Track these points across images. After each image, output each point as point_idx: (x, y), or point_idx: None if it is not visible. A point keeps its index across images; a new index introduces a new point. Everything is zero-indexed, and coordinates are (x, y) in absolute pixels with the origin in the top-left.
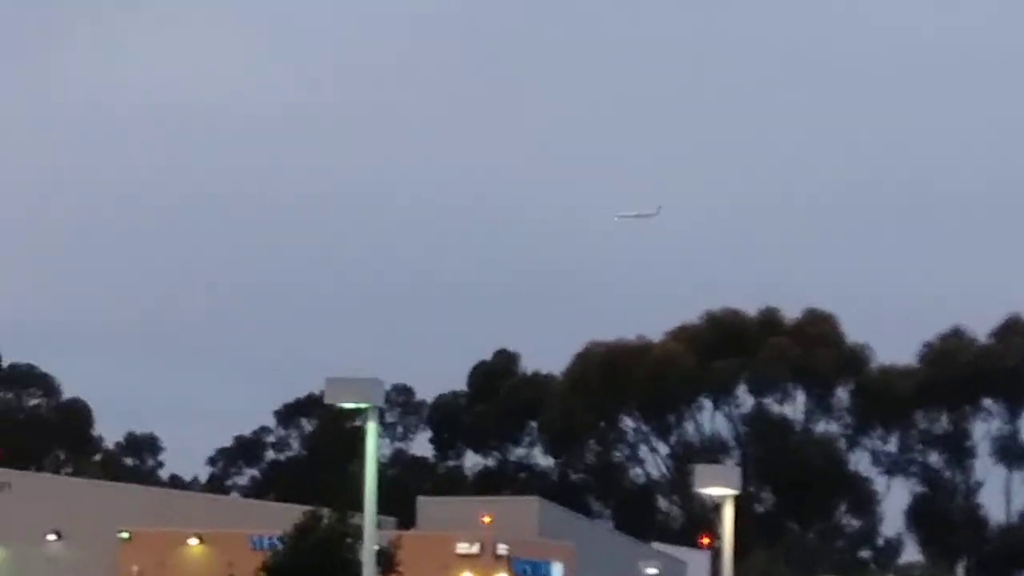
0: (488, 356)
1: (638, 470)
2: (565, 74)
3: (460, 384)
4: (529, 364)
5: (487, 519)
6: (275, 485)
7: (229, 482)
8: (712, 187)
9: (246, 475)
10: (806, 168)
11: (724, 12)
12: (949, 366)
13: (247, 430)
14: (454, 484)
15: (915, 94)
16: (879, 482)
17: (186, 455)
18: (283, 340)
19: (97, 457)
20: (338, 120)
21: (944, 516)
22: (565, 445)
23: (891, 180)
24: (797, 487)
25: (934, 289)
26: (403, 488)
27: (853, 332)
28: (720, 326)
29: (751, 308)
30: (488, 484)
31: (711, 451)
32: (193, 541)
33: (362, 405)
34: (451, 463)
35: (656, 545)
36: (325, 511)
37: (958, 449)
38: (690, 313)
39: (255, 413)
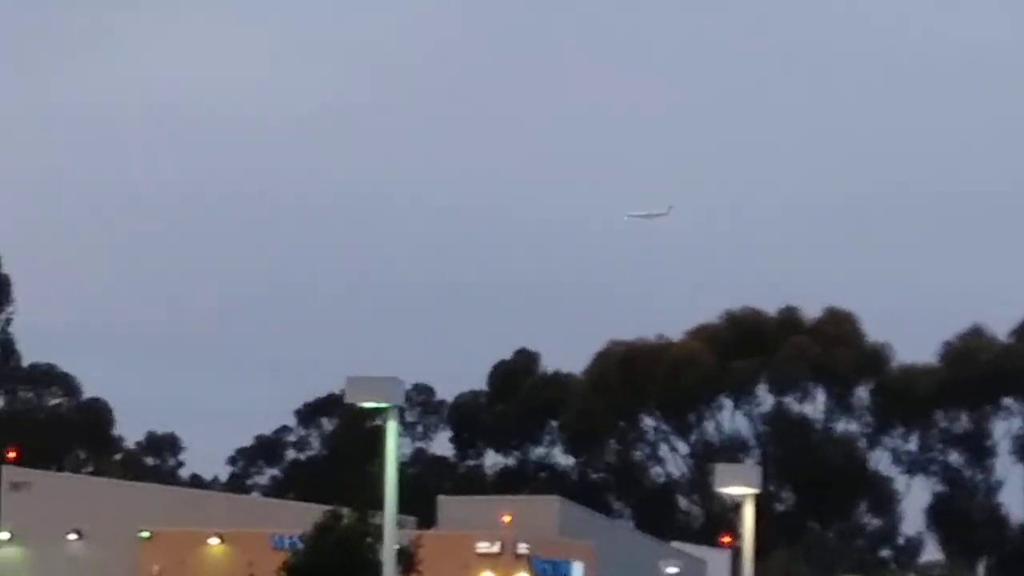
0: (508, 355)
1: (658, 469)
2: (574, 74)
3: (480, 383)
4: (549, 363)
5: (507, 518)
6: (295, 484)
7: (250, 481)
8: (732, 186)
9: (267, 474)
10: (827, 168)
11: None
12: (969, 365)
13: (268, 429)
14: (474, 483)
15: (936, 93)
16: (899, 481)
17: (207, 454)
18: (304, 340)
19: (118, 457)
20: (361, 121)
21: (964, 515)
22: (585, 444)
23: (912, 179)
24: (817, 486)
25: (954, 288)
26: (423, 487)
27: (873, 331)
28: (740, 325)
29: (771, 307)
30: (508, 483)
31: (731, 450)
32: (214, 540)
33: (382, 404)
34: (471, 462)
35: (676, 544)
36: (345, 510)
37: (978, 448)
38: (710, 312)
39: (276, 412)
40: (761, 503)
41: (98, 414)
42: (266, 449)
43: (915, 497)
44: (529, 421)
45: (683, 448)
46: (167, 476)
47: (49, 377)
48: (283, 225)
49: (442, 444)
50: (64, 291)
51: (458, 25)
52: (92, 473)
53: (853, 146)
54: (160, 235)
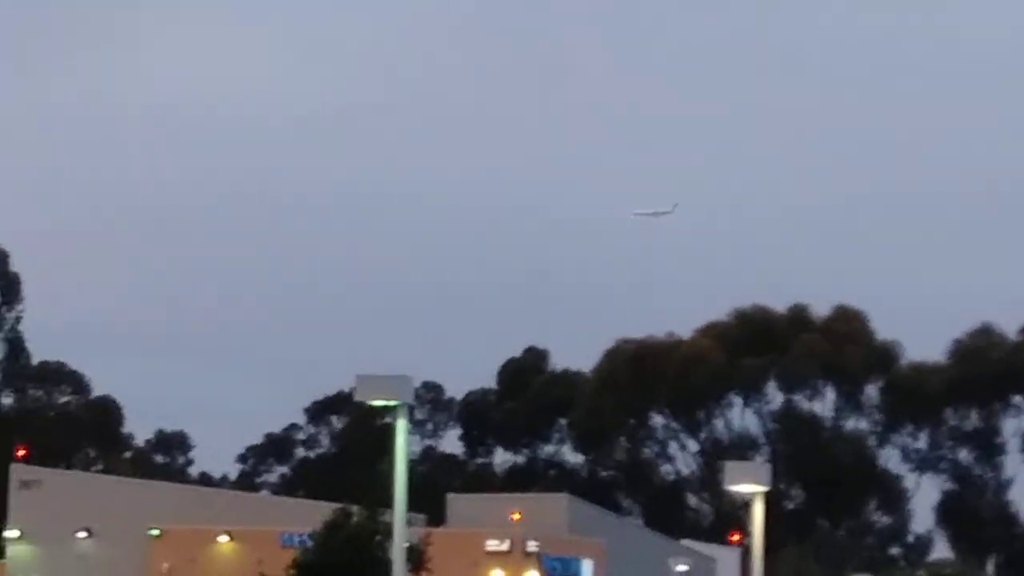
0: (518, 353)
1: (668, 467)
2: (587, 72)
3: (490, 381)
4: (559, 361)
5: (517, 516)
6: (305, 482)
7: (259, 479)
8: (742, 184)
9: (276, 472)
10: (837, 166)
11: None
12: (979, 363)
13: (277, 427)
14: (484, 481)
15: (947, 92)
16: (909, 479)
17: (216, 453)
18: (313, 338)
19: (127, 455)
20: (362, 121)
21: (974, 513)
22: (595, 442)
23: (923, 177)
24: (827, 484)
25: (964, 286)
26: (433, 485)
27: (883, 329)
28: (750, 323)
29: (780, 305)
30: (518, 481)
31: (741, 448)
32: (223, 538)
33: (392, 402)
34: (481, 460)
35: (686, 542)
36: (355, 508)
37: (988, 446)
38: (719, 310)
39: (285, 410)
40: (771, 501)
41: (108, 412)
42: (276, 447)
43: (924, 495)
44: (538, 419)
45: (692, 446)
46: (177, 474)
47: (58, 375)
48: (291, 224)
49: (451, 442)
50: (73, 289)
51: (460, 24)
52: (102, 471)
53: (863, 144)
54: (168, 235)
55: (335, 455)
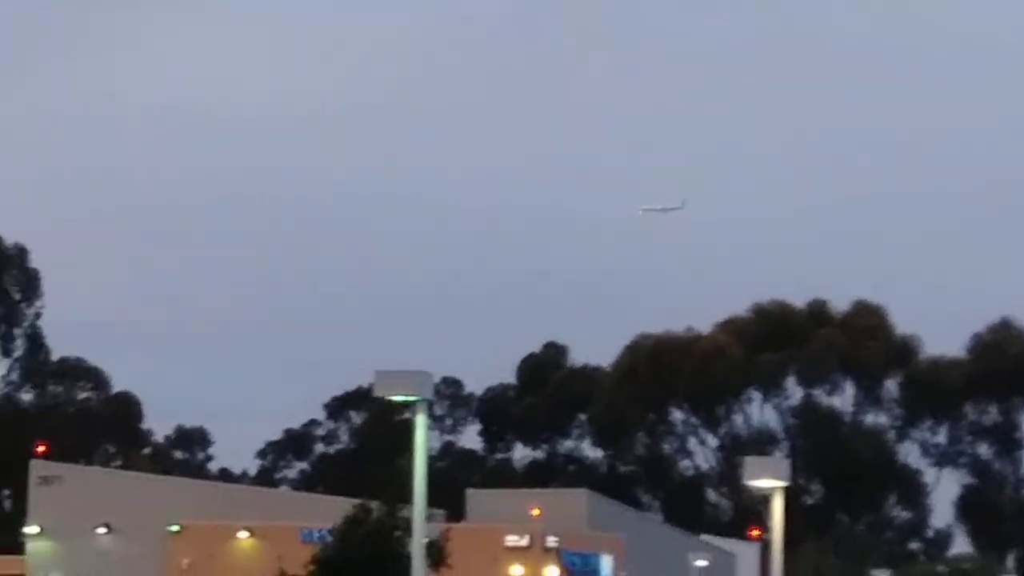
0: (537, 348)
1: (687, 462)
2: (599, 69)
3: (509, 377)
4: (578, 356)
5: (536, 512)
6: (324, 478)
7: (279, 475)
8: (761, 179)
9: (295, 468)
10: (854, 161)
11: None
12: (998, 357)
13: (296, 423)
14: (503, 477)
15: (968, 85)
16: (928, 474)
17: (235, 448)
18: (332, 334)
19: (147, 451)
20: (384, 119)
21: (993, 507)
22: (614, 437)
23: (943, 172)
24: (846, 479)
25: (983, 281)
26: (452, 481)
27: (902, 324)
28: (769, 318)
29: (799, 300)
30: (537, 476)
31: (760, 443)
32: (243, 534)
33: (411, 398)
34: (500, 456)
35: (705, 537)
36: (374, 504)
37: (1007, 440)
38: (738, 305)
39: (304, 406)
40: (790, 496)
41: (127, 408)
42: (295, 443)
43: (944, 489)
44: (558, 414)
45: (712, 441)
46: (196, 470)
47: (78, 371)
48: (312, 224)
49: (471, 437)
50: (93, 285)
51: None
52: (121, 467)
53: (883, 138)
54: (190, 231)
55: (354, 451)
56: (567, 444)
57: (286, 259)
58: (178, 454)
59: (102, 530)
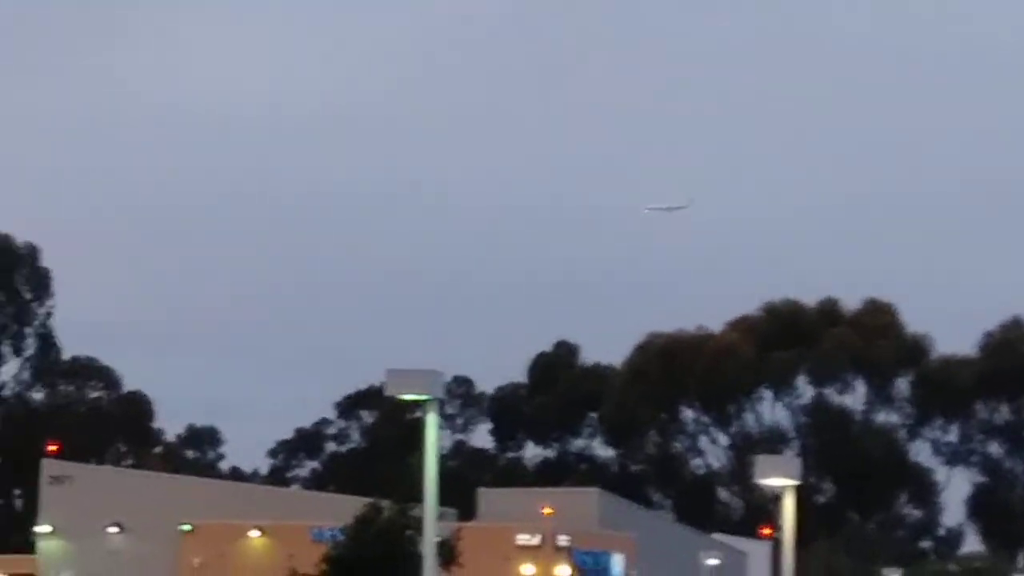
0: (548, 347)
1: (698, 461)
2: (613, 66)
3: (520, 376)
4: (589, 355)
5: (548, 510)
6: (335, 477)
7: (290, 474)
8: (772, 177)
9: (307, 467)
10: (865, 159)
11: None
12: (1010, 356)
13: (307, 422)
14: (514, 476)
15: (980, 82)
16: (940, 472)
17: (247, 447)
18: (343, 333)
19: (158, 450)
20: (392, 119)
21: (1005, 506)
22: (625, 436)
23: (953, 170)
24: (857, 478)
25: (994, 279)
26: (463, 480)
27: (913, 322)
28: (780, 317)
29: (810, 299)
30: (548, 475)
31: (771, 442)
32: (254, 533)
33: (422, 397)
34: (511, 455)
35: (717, 536)
36: (385, 503)
37: (1019, 439)
38: (749, 304)
39: (315, 405)
40: (801, 495)
41: (138, 407)
42: (306, 442)
43: (955, 488)
44: (569, 413)
45: (723, 440)
46: (207, 469)
47: (89, 370)
48: (321, 223)
49: (482, 436)
50: (104, 284)
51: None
52: (132, 466)
53: (894, 136)
54: (202, 230)
55: (365, 450)
56: (578, 443)
57: (298, 258)
58: (189, 453)
59: (113, 529)
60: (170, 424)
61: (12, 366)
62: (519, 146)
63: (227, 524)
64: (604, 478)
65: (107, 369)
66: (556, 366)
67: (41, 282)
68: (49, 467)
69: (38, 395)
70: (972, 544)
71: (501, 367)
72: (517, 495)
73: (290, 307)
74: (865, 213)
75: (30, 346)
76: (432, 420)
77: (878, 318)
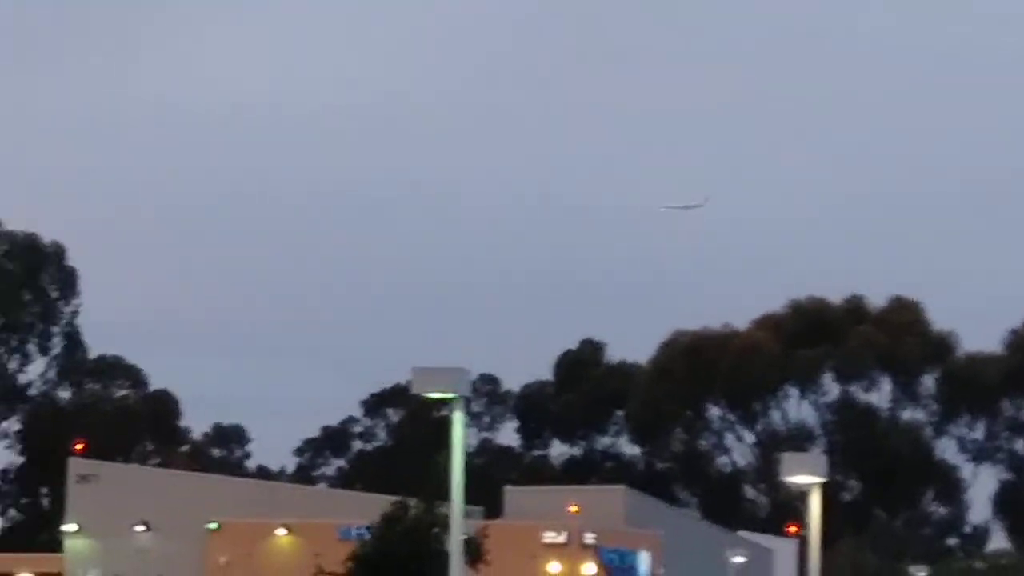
0: (574, 345)
1: (724, 458)
2: (636, 64)
3: (546, 373)
4: (615, 353)
5: (574, 508)
6: (362, 475)
7: (316, 472)
8: (797, 174)
9: (333, 465)
10: (891, 157)
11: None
12: None
13: (334, 420)
14: (541, 473)
15: (997, 81)
16: (966, 469)
17: (273, 446)
18: (370, 331)
19: (184, 448)
20: (420, 118)
21: None
22: (651, 434)
23: (979, 167)
24: (883, 475)
25: (1020, 276)
26: (490, 478)
27: (939, 320)
28: (805, 314)
29: (836, 296)
30: (575, 473)
31: (797, 439)
32: (281, 532)
33: (449, 395)
34: (537, 452)
35: (743, 533)
36: (412, 501)
37: None
38: (775, 301)
39: (342, 403)
40: (827, 492)
41: (165, 406)
42: (332, 440)
43: (981, 485)
44: (595, 411)
45: (749, 437)
46: (234, 468)
47: (116, 369)
48: (348, 222)
49: (508, 434)
50: (131, 284)
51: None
52: (159, 465)
53: (919, 134)
54: (229, 229)
55: (392, 448)
56: (604, 441)
57: (323, 257)
58: (216, 452)
59: (140, 528)
60: (196, 423)
61: (39, 365)
62: (544, 144)
63: (254, 523)
64: (630, 476)
65: (134, 368)
66: (582, 364)
67: (67, 281)
68: (76, 466)
69: (65, 394)
70: (998, 541)
71: (527, 365)
72: (543, 493)
73: (316, 305)
74: (891, 211)
75: (56, 345)
76: (458, 418)
77: (904, 315)
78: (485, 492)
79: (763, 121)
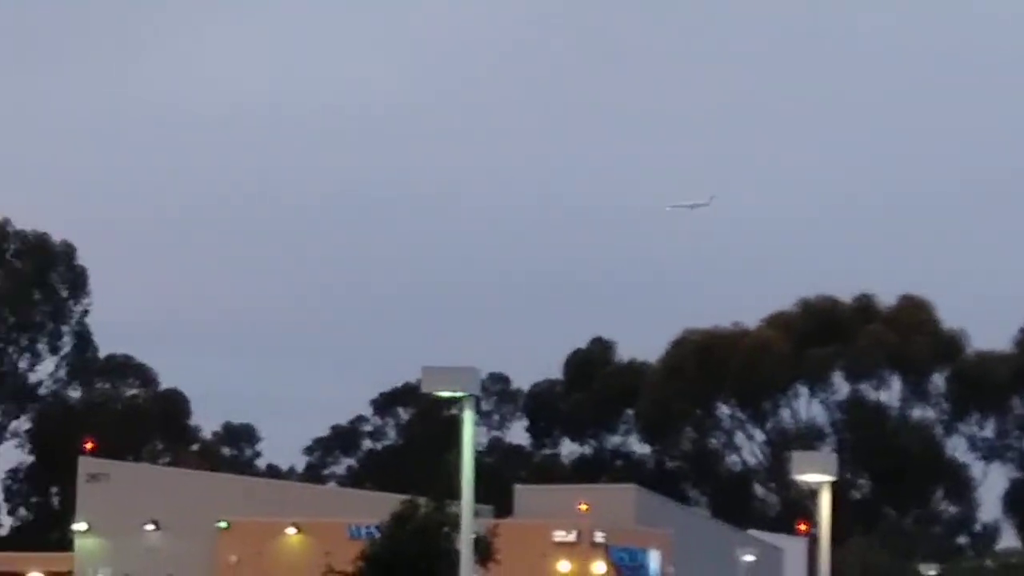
0: (584, 344)
1: (734, 457)
2: (637, 64)
3: (556, 372)
4: (625, 352)
5: (584, 507)
6: (372, 474)
7: (326, 471)
8: (807, 174)
9: (343, 464)
10: (901, 156)
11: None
12: None
13: (344, 419)
14: (551, 472)
15: (997, 81)
16: (976, 468)
17: (283, 445)
18: (380, 330)
19: (195, 447)
20: (420, 118)
21: None
22: (661, 433)
23: (987, 166)
24: (894, 473)
25: None
26: (500, 476)
27: (949, 318)
28: (816, 313)
29: (846, 295)
30: (585, 472)
31: (807, 438)
32: (291, 531)
33: (458, 394)
34: (547, 451)
35: (753, 532)
36: (422, 500)
37: None
38: (785, 300)
39: (352, 402)
40: (838, 490)
41: (175, 405)
42: (342, 439)
43: (992, 484)
44: (605, 410)
45: (759, 436)
46: (244, 467)
47: (126, 368)
48: (359, 221)
49: (518, 433)
50: (141, 283)
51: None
52: (169, 464)
53: (927, 134)
54: (238, 229)
55: (402, 447)
56: (614, 439)
57: (333, 257)
58: (226, 451)
59: (150, 527)
60: (206, 422)
61: (49, 364)
62: (545, 144)
63: (264, 521)
64: (640, 475)
65: (143, 367)
66: (592, 363)
67: (77, 280)
68: (86, 465)
69: (75, 393)
70: (1009, 540)
71: (537, 364)
72: (553, 492)
73: (326, 305)
74: (901, 210)
75: (67, 344)
76: (468, 417)
77: (914, 314)
78: (495, 491)
79: (763, 121)
